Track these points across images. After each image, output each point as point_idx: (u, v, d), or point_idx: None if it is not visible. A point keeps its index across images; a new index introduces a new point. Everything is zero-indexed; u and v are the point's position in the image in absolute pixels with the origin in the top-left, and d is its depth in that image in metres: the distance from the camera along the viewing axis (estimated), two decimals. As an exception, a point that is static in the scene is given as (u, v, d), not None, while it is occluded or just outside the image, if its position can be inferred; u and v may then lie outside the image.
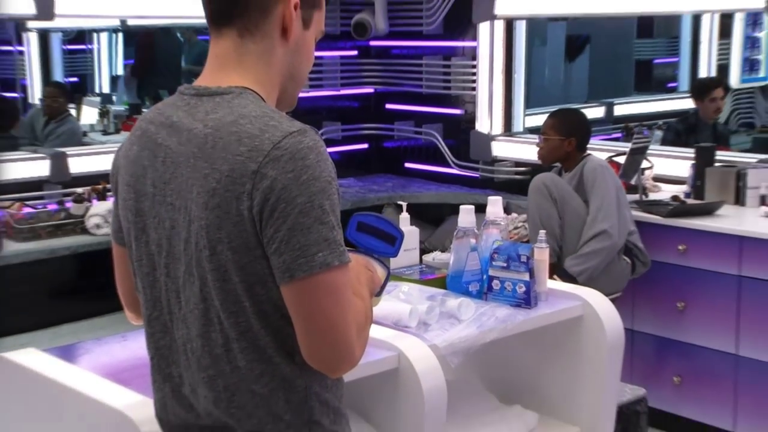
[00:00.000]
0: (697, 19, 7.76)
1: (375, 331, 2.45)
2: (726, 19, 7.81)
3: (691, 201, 5.34)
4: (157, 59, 7.24)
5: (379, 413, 2.68)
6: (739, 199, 5.32)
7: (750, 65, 8.17)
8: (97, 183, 5.45)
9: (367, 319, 1.92)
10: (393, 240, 2.14)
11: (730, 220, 5.04)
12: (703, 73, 7.84)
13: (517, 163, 6.44)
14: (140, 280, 1.96)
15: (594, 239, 4.67)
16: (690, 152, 5.65)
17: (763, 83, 8.13)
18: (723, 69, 7.93)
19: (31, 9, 5.36)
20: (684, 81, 8.13)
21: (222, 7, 1.89)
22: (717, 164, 5.48)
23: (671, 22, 8.13)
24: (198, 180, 1.79)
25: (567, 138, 4.97)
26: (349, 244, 1.90)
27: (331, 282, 1.75)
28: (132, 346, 2.49)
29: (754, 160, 5.60)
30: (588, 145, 5.13)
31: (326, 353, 1.80)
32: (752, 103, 7.89)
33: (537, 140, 5.19)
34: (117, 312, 2.18)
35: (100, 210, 5.16)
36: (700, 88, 6.85)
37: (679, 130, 6.81)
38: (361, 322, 1.86)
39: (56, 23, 5.89)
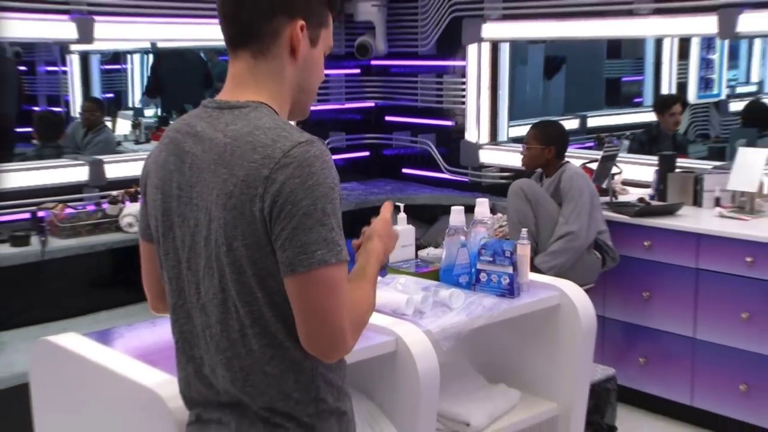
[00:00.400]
0: (659, 42, 7.79)
1: (375, 318, 2.49)
2: (684, 42, 7.88)
3: (654, 202, 5.36)
4: (174, 78, 7.20)
5: (379, 392, 2.68)
6: (697, 201, 5.34)
7: (705, 83, 8.23)
8: (129, 186, 5.47)
9: (369, 307, 1.94)
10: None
11: (688, 219, 5.07)
12: (664, 90, 7.89)
13: (502, 169, 6.47)
14: (166, 272, 1.97)
15: (562, 239, 4.72)
16: (654, 160, 5.66)
17: (716, 99, 8.17)
18: (682, 87, 7.97)
19: (73, 34, 5.45)
20: (648, 97, 8.15)
21: (237, 32, 1.91)
22: (677, 170, 5.51)
23: (636, 45, 8.14)
24: (218, 184, 1.80)
25: (547, 147, 5.00)
26: None
27: (328, 277, 1.77)
28: (159, 331, 2.49)
29: (710, 167, 5.62)
30: (565, 153, 5.13)
31: (321, 342, 1.82)
32: (707, 117, 7.94)
33: (520, 149, 5.21)
34: (145, 301, 2.16)
35: (132, 210, 5.17)
36: (662, 104, 6.92)
37: (643, 140, 6.85)
38: (359, 313, 1.89)
39: (95, 46, 5.98)
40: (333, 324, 1.79)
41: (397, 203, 3.67)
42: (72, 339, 2.60)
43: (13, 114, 6.53)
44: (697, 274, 4.87)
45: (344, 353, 1.86)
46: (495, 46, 6.51)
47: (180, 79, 7.19)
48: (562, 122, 5.68)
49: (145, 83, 7.31)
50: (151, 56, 7.13)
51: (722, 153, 6.59)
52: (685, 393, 4.97)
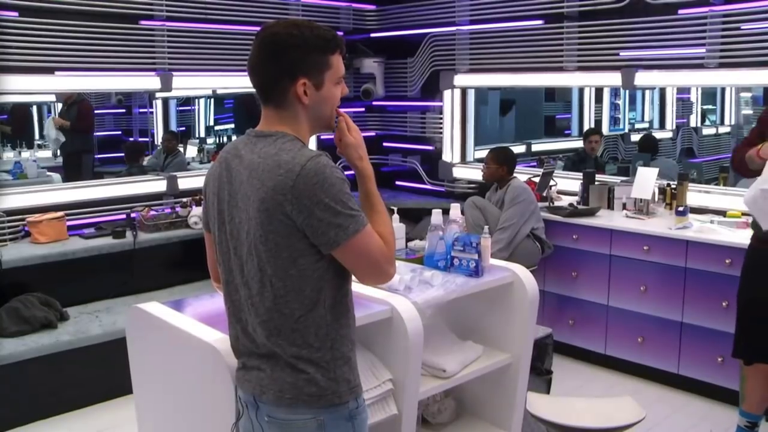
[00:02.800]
0: (581, 90, 7.81)
1: (374, 293, 2.55)
2: (599, 90, 7.90)
3: (580, 207, 5.33)
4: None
5: (378, 346, 2.66)
6: (610, 206, 5.35)
7: (614, 121, 8.26)
8: (195, 194, 5.51)
9: (391, 232, 1.95)
10: None
11: (604, 219, 5.07)
12: (586, 125, 7.91)
13: (469, 182, 6.46)
14: (220, 256, 2.00)
15: (495, 233, 4.74)
16: (580, 175, 5.63)
17: (622, 132, 8.20)
18: (598, 122, 8.00)
19: (157, 85, 5.54)
20: (575, 129, 8.16)
21: (261, 94, 1.93)
22: (596, 183, 5.49)
23: (566, 91, 8.15)
24: (254, 192, 1.83)
25: (501, 166, 5.01)
26: None
27: (360, 240, 1.82)
28: (218, 301, 2.49)
29: (618, 181, 5.61)
30: (515, 171, 5.13)
31: (373, 278, 1.92)
32: (616, 145, 7.97)
33: (482, 167, 5.19)
34: (208, 279, 2.19)
35: (197, 212, 5.27)
36: (585, 134, 6.95)
37: (573, 161, 6.87)
38: (388, 246, 1.91)
39: (173, 93, 6.03)
40: (376, 266, 1.87)
41: (392, 207, 3.67)
42: (155, 306, 2.62)
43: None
44: (610, 259, 4.87)
45: (392, 277, 1.94)
46: (464, 91, 6.50)
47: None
48: (512, 148, 5.66)
49: (209, 120, 7.36)
50: (212, 100, 7.16)
51: (627, 171, 6.59)
52: (600, 345, 4.99)
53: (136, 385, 2.74)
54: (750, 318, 3.59)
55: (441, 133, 6.63)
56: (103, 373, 4.34)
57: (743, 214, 4.57)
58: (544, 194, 5.46)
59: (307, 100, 1.89)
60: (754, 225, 3.50)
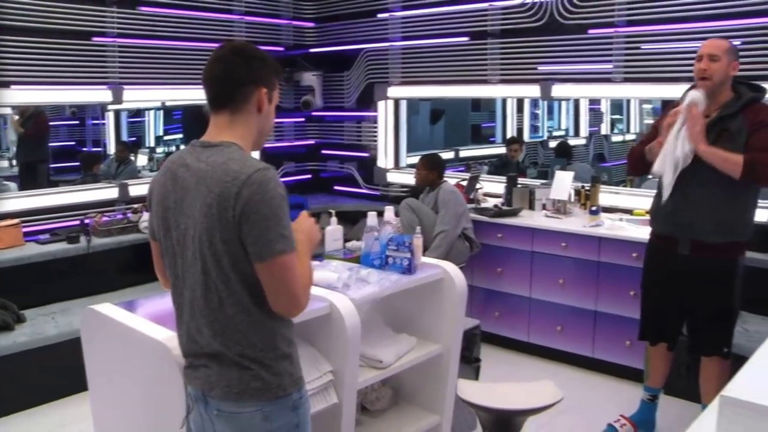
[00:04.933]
0: (504, 101, 7.84)
1: (315, 291, 2.55)
2: (520, 101, 7.93)
3: (504, 208, 5.37)
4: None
5: (319, 341, 2.66)
6: (531, 206, 5.40)
7: (534, 129, 8.31)
8: (146, 201, 5.32)
9: (310, 275, 1.91)
10: (302, 205, 2.13)
11: (526, 219, 5.11)
12: (508, 133, 7.94)
13: (402, 186, 6.47)
14: (167, 261, 1.97)
15: (438, 236, 4.74)
16: (503, 179, 5.67)
17: (541, 140, 8.26)
18: (520, 131, 8.03)
19: (109, 98, 5.45)
20: (499, 137, 8.20)
21: (218, 98, 1.90)
22: (519, 186, 5.53)
23: (490, 102, 8.18)
24: (200, 198, 1.80)
25: (431, 171, 5.02)
26: None
27: (285, 261, 1.77)
28: (167, 302, 2.43)
29: (539, 184, 5.67)
30: (444, 175, 5.14)
31: (284, 305, 1.82)
32: (536, 151, 8.00)
33: (414, 172, 5.19)
34: (158, 281, 2.15)
35: (148, 217, 5.05)
36: (507, 142, 6.96)
37: (497, 166, 6.90)
38: (306, 282, 1.86)
39: (124, 106, 5.83)
40: (292, 293, 1.79)
41: (330, 210, 3.65)
42: (108, 307, 2.59)
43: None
44: (532, 255, 4.92)
45: (301, 310, 1.85)
46: (396, 102, 6.51)
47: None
48: (442, 154, 5.69)
49: (159, 131, 7.23)
50: (161, 112, 7.04)
51: (546, 174, 6.66)
52: (524, 334, 5.04)
53: (91, 382, 2.69)
54: (649, 303, 3.73)
55: (376, 140, 6.64)
56: (59, 372, 4.22)
57: (647, 212, 4.68)
58: (472, 196, 5.50)
59: (264, 108, 1.91)
60: (652, 219, 3.63)
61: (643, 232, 4.34)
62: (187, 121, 7.06)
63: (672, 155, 3.32)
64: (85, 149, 6.86)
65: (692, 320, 3.60)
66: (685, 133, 3.30)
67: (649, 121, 7.93)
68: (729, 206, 3.33)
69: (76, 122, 6.82)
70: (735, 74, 3.41)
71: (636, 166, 3.68)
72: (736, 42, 4.31)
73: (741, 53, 4.22)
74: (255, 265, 1.77)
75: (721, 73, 3.35)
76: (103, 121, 6.58)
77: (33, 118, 6.38)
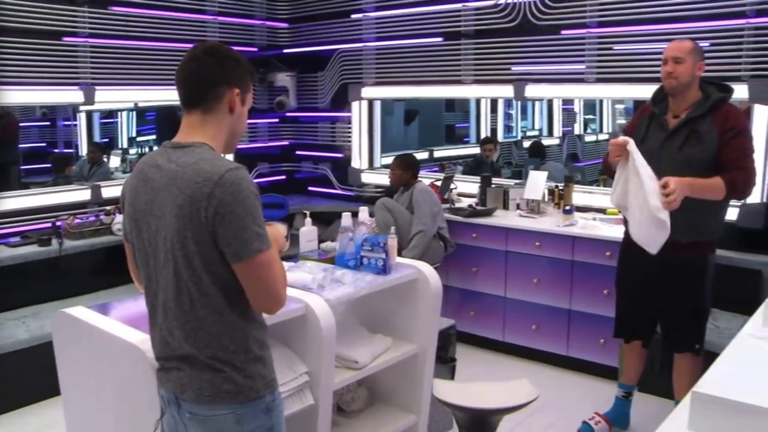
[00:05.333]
0: (478, 101, 7.88)
1: (290, 292, 2.56)
2: (494, 101, 7.96)
3: (479, 208, 5.39)
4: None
5: (294, 342, 2.66)
6: (505, 206, 5.42)
7: (508, 129, 8.34)
8: (119, 202, 5.25)
9: (284, 272, 1.90)
10: (282, 206, 2.12)
11: (500, 218, 5.13)
12: (483, 133, 7.97)
13: (377, 186, 6.45)
14: (140, 263, 1.96)
15: (416, 236, 4.74)
16: (477, 179, 5.71)
17: (515, 140, 8.30)
18: (494, 131, 8.07)
19: (80, 99, 5.39)
20: (473, 137, 8.23)
21: (191, 97, 1.89)
22: (493, 186, 5.56)
23: (464, 102, 8.21)
24: (172, 199, 1.78)
25: (406, 171, 5.04)
26: None
27: (263, 259, 1.77)
28: (140, 304, 2.41)
29: (513, 183, 5.69)
30: (419, 175, 5.15)
31: (266, 303, 1.83)
32: (510, 151, 8.05)
33: (389, 172, 5.19)
34: (132, 283, 2.14)
35: (120, 220, 5.05)
36: (481, 142, 7.02)
37: (471, 166, 6.94)
38: (283, 278, 1.86)
39: (96, 107, 5.77)
40: (272, 290, 1.80)
41: (305, 211, 3.65)
42: (80, 310, 2.56)
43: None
44: (506, 255, 4.94)
45: (282, 306, 1.86)
46: (371, 102, 6.51)
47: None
48: (416, 154, 5.71)
49: (132, 132, 7.17)
50: (134, 113, 6.98)
51: (520, 174, 6.71)
52: (499, 333, 5.06)
53: (63, 386, 2.66)
54: (623, 301, 3.77)
55: (350, 141, 6.63)
56: (31, 376, 4.17)
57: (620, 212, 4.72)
58: (446, 197, 5.51)
59: (236, 109, 1.90)
60: (626, 219, 3.67)
61: (616, 231, 4.38)
62: (161, 122, 7.00)
63: (648, 222, 3.20)
64: (56, 151, 6.78)
65: (665, 318, 3.65)
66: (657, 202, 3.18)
67: (622, 121, 8.02)
68: (700, 207, 3.37)
69: (47, 123, 6.74)
70: (701, 74, 3.45)
71: (610, 172, 3.69)
72: (705, 44, 4.38)
73: (710, 55, 4.31)
74: (233, 265, 1.76)
75: (687, 74, 3.40)
76: (74, 122, 6.51)
77: (2, 120, 6.29)
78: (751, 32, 4.34)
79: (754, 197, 4.28)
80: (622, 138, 3.32)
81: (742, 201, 4.28)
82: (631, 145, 3.25)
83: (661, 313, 3.66)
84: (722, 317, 4.27)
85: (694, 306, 3.52)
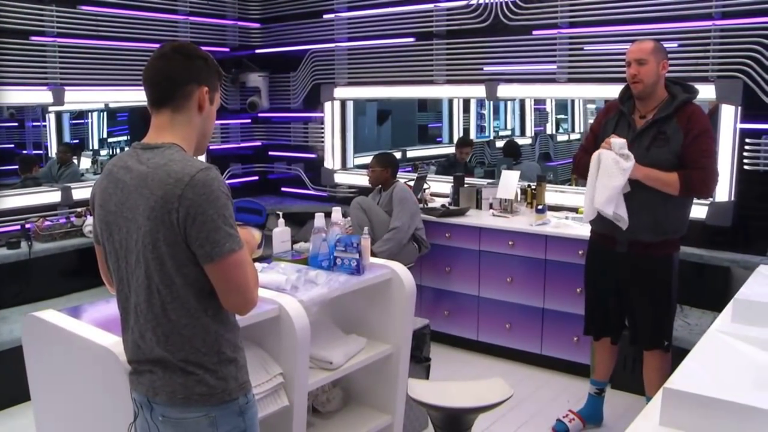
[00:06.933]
0: (451, 101, 7.91)
1: (263, 293, 2.55)
2: (466, 101, 7.99)
3: (452, 207, 5.40)
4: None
5: (268, 343, 2.65)
6: (478, 206, 5.44)
7: (480, 129, 8.38)
8: (89, 204, 5.21)
9: (256, 273, 1.90)
10: (260, 212, 2.12)
11: (473, 218, 5.14)
12: (455, 133, 8.00)
13: (350, 187, 6.44)
14: (111, 265, 1.93)
15: (391, 231, 4.71)
16: (450, 179, 5.72)
17: (487, 139, 8.35)
18: (466, 131, 8.11)
19: (49, 100, 5.33)
20: (446, 137, 8.26)
21: (160, 96, 1.87)
22: (466, 185, 5.57)
23: (437, 102, 8.24)
24: (143, 201, 1.76)
25: (385, 169, 5.02)
26: None
27: (235, 260, 1.76)
28: (112, 307, 2.39)
29: (485, 183, 5.72)
30: (397, 174, 5.14)
31: (237, 303, 1.82)
32: (483, 151, 8.08)
33: (367, 171, 5.16)
34: (104, 285, 2.11)
35: (92, 221, 4.96)
36: (458, 144, 7.06)
37: (444, 166, 6.95)
38: (255, 278, 1.85)
39: (66, 107, 5.73)
40: (244, 290, 1.79)
41: (278, 212, 3.64)
42: (50, 314, 2.53)
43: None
44: (479, 254, 4.96)
45: (254, 306, 1.85)
46: (343, 103, 6.50)
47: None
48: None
49: (103, 133, 7.09)
50: (105, 113, 6.90)
51: (493, 174, 6.74)
52: (473, 332, 5.07)
53: (33, 391, 2.62)
54: (592, 299, 3.81)
55: (323, 141, 6.61)
56: (1, 382, 4.11)
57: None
58: (419, 196, 5.51)
59: (205, 108, 1.89)
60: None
61: (588, 230, 4.41)
62: (134, 123, 6.95)
63: (610, 192, 3.35)
64: (24, 152, 6.70)
65: (632, 315, 3.68)
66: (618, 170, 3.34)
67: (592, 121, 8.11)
68: (663, 207, 3.42)
69: (15, 124, 6.66)
70: (666, 72, 3.49)
71: (582, 172, 3.73)
72: (673, 45, 4.44)
73: (678, 56, 4.37)
74: (204, 266, 1.75)
75: (651, 74, 3.44)
76: (43, 123, 6.44)
77: (-30, 120, 6.21)
78: (717, 34, 4.40)
79: (723, 195, 4.35)
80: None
81: (711, 200, 4.35)
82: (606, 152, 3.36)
83: (628, 311, 3.70)
84: (692, 314, 4.33)
85: (661, 303, 3.56)
